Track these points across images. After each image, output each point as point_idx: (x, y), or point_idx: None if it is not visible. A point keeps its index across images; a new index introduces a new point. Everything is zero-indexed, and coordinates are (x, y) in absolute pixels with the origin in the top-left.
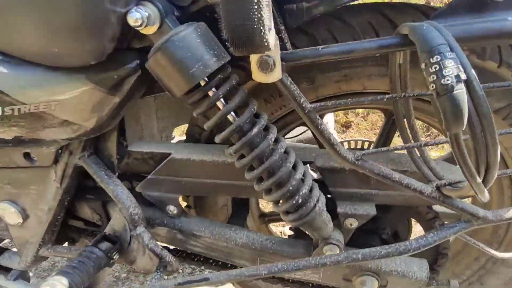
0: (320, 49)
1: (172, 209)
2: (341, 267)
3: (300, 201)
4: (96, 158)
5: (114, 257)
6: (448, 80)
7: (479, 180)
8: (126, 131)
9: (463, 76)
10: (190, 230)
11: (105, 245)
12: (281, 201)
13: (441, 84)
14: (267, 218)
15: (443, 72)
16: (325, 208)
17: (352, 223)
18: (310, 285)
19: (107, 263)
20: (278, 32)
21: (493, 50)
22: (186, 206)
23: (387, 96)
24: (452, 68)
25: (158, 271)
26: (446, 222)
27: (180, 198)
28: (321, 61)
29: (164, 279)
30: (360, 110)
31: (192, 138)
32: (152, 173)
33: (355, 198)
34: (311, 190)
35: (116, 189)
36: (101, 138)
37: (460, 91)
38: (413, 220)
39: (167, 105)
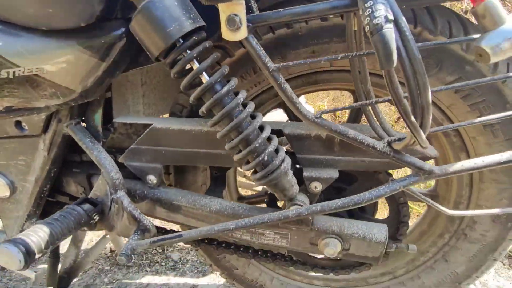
0: (281, 11)
1: (152, 178)
2: (307, 231)
3: (266, 158)
4: (82, 127)
5: (95, 218)
6: (378, 20)
7: (413, 119)
8: (114, 110)
9: (390, 17)
10: (169, 200)
11: (86, 206)
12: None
13: (373, 24)
14: (245, 202)
15: (374, 14)
16: (291, 171)
17: (317, 186)
18: (282, 257)
19: (87, 222)
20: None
21: (443, 26)
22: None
23: (341, 55)
24: (382, 10)
25: (135, 233)
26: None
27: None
28: (283, 22)
29: None
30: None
31: (175, 116)
32: (135, 143)
33: (320, 164)
34: (277, 151)
35: (100, 155)
36: (88, 110)
37: (389, 29)
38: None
39: (153, 93)
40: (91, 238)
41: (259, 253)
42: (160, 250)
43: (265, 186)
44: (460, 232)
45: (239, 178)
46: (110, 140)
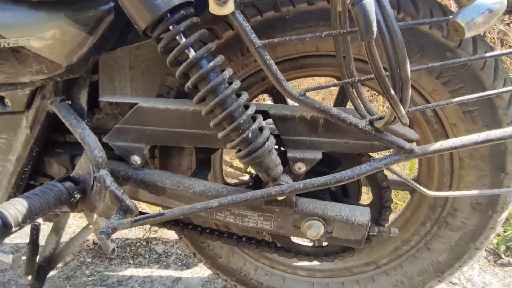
0: None
1: (136, 159)
2: (290, 213)
3: (250, 136)
4: (67, 105)
5: (76, 196)
6: None
7: (393, 92)
8: (100, 91)
9: None
10: (153, 181)
11: (68, 184)
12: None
13: None
14: None
15: None
16: (275, 150)
17: (301, 167)
18: (266, 243)
19: (68, 200)
20: None
21: (425, 13)
22: None
23: (324, 32)
24: None
25: (117, 213)
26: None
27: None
28: None
29: None
30: None
31: (162, 97)
32: (120, 122)
33: (304, 145)
34: (261, 130)
35: (83, 132)
36: (74, 88)
37: (369, 1)
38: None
39: (142, 78)
40: (73, 230)
41: (243, 239)
42: (144, 243)
43: (250, 172)
44: (442, 220)
45: (226, 168)
46: (96, 121)
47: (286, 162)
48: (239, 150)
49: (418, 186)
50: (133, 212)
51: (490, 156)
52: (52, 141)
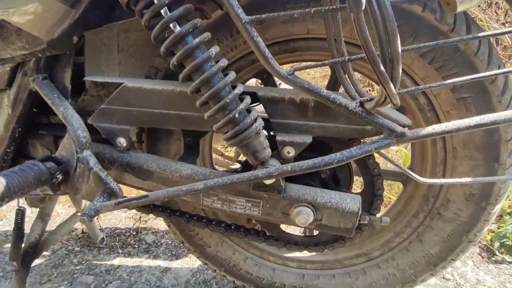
0: None
1: (122, 141)
2: (279, 199)
3: (237, 116)
4: (50, 83)
5: (58, 177)
6: None
7: (383, 69)
8: (86, 73)
9: None
10: (139, 164)
11: (50, 164)
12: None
13: None
14: None
15: None
16: (263, 132)
17: (290, 151)
18: (255, 232)
19: (49, 180)
20: None
21: None
22: None
23: (314, 8)
24: None
25: (101, 196)
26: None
27: None
28: None
29: None
30: None
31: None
32: (105, 102)
33: (293, 129)
34: (249, 111)
35: (66, 111)
36: (57, 66)
37: None
38: None
39: (130, 61)
40: (63, 219)
41: (232, 227)
42: (134, 233)
43: (241, 161)
44: (435, 211)
45: (215, 156)
46: (81, 103)
47: (275, 147)
48: (226, 131)
49: (410, 172)
50: (118, 195)
51: (484, 146)
52: (36, 123)
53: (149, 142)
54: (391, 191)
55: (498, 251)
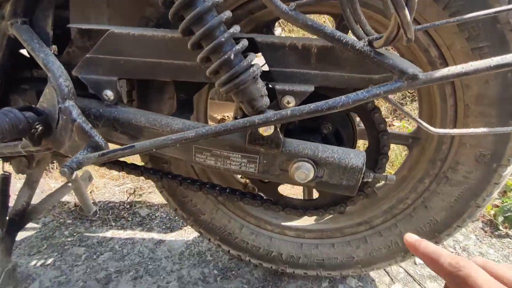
0: None
1: (109, 94)
2: (277, 154)
3: (232, 57)
4: (29, 28)
5: (37, 127)
6: None
7: None
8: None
9: None
10: (127, 119)
11: (28, 113)
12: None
13: None
14: None
15: None
16: (261, 80)
17: (290, 101)
18: (251, 196)
19: (27, 130)
20: None
21: None
22: None
23: None
24: None
25: (85, 149)
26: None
27: None
28: None
29: None
30: None
31: None
32: (90, 52)
33: (294, 78)
34: (246, 55)
35: (47, 58)
36: (37, 11)
37: None
38: None
39: (120, 14)
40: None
41: (227, 190)
42: (128, 206)
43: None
44: (442, 175)
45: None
46: (66, 55)
47: (273, 97)
48: (221, 77)
49: (421, 121)
50: (103, 149)
51: (500, 101)
52: (18, 78)
53: (140, 101)
54: (393, 167)
55: (502, 225)
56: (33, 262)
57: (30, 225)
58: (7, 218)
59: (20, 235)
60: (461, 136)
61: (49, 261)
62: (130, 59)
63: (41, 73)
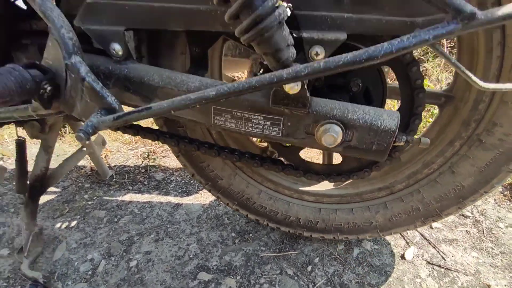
0: None
1: (117, 48)
2: (303, 115)
3: None
4: None
5: (45, 87)
6: None
7: None
8: None
9: None
10: (138, 77)
11: (34, 71)
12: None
13: None
14: None
15: None
16: (287, 28)
17: (319, 53)
18: (271, 161)
19: (35, 91)
20: None
21: None
22: None
23: None
24: None
25: (98, 113)
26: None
27: None
28: None
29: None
30: None
31: None
32: None
33: (324, 24)
34: None
35: (44, 3)
36: None
37: None
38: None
39: None
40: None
41: (246, 155)
42: (143, 170)
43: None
44: (475, 138)
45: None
46: (66, 2)
47: (298, 48)
48: (243, 23)
49: (470, 74)
50: (116, 111)
51: None
52: (17, 31)
53: (150, 57)
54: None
55: None
56: (58, 225)
57: (50, 189)
58: (28, 183)
59: (42, 199)
60: (503, 93)
61: (73, 223)
62: (137, 3)
63: (41, 25)
